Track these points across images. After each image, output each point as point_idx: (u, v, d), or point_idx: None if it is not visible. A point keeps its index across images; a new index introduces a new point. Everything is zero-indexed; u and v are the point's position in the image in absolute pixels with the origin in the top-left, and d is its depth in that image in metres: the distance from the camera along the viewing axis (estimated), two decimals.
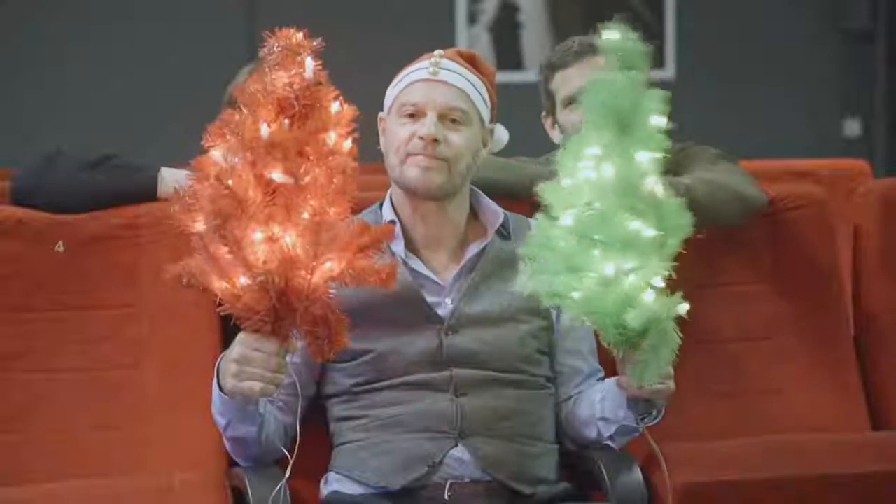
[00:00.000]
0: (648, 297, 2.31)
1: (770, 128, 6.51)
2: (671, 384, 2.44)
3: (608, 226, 2.31)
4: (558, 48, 3.19)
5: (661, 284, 2.33)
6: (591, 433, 2.61)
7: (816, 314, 3.04)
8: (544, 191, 2.41)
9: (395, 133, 2.58)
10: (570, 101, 3.12)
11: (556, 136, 3.21)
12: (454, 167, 2.57)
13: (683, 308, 2.34)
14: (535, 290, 2.37)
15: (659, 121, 2.36)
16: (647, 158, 2.35)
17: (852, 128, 6.89)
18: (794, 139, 6.51)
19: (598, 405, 2.58)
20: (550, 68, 3.17)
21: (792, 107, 6.71)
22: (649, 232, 2.32)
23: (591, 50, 3.11)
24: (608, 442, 2.60)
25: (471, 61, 2.63)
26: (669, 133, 2.38)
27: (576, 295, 2.32)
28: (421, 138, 2.54)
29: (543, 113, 3.22)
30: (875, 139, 6.86)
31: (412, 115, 2.57)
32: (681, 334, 2.36)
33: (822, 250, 3.07)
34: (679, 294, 2.34)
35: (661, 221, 2.35)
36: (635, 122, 2.34)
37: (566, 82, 3.13)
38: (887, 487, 2.63)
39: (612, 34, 2.39)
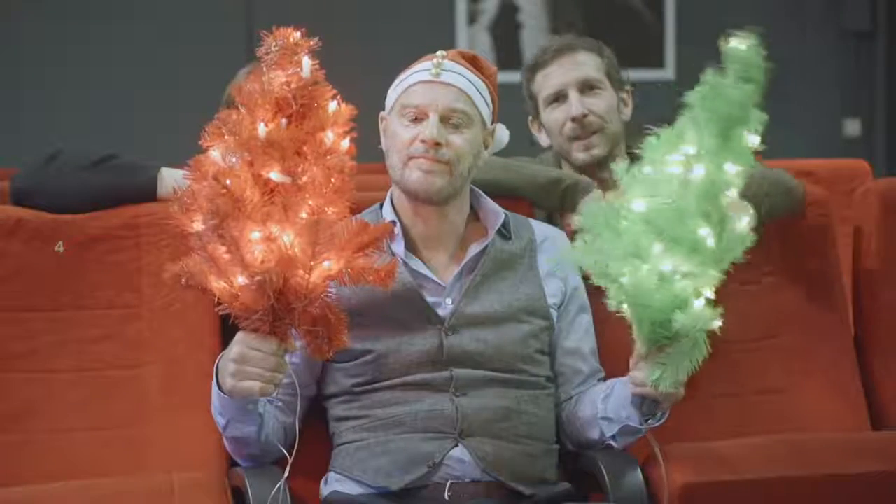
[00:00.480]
0: (699, 304, 2.32)
1: (770, 128, 6.50)
2: (681, 390, 2.44)
3: (680, 224, 2.31)
4: (537, 50, 3.21)
5: (711, 296, 2.33)
6: (594, 433, 2.61)
7: (816, 314, 3.05)
8: (623, 173, 2.39)
9: (398, 134, 2.58)
10: (554, 99, 3.13)
11: (543, 138, 3.22)
12: (455, 169, 2.57)
13: (717, 323, 2.35)
14: (586, 263, 2.37)
15: (754, 140, 2.36)
16: (734, 171, 2.35)
17: (852, 128, 6.88)
18: (794, 139, 6.51)
19: (602, 404, 2.58)
20: (531, 70, 3.19)
21: (792, 107, 6.71)
22: (713, 242, 2.32)
23: (570, 48, 3.14)
24: (610, 442, 2.60)
25: (472, 62, 2.63)
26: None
27: (625, 280, 2.33)
28: (423, 141, 2.54)
29: (529, 118, 3.23)
30: (875, 139, 6.86)
31: (414, 117, 2.57)
32: (710, 348, 2.36)
33: (822, 250, 3.08)
34: (718, 309, 2.34)
35: (723, 239, 2.35)
36: (735, 135, 2.34)
37: (547, 80, 3.15)
38: (887, 487, 2.63)
39: (739, 43, 2.37)
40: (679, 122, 2.38)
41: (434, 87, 2.57)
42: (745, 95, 2.35)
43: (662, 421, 2.52)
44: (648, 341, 2.38)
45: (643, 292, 2.32)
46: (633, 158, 2.43)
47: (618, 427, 2.57)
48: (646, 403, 2.49)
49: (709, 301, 2.34)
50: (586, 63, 3.13)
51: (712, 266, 2.33)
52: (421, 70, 2.60)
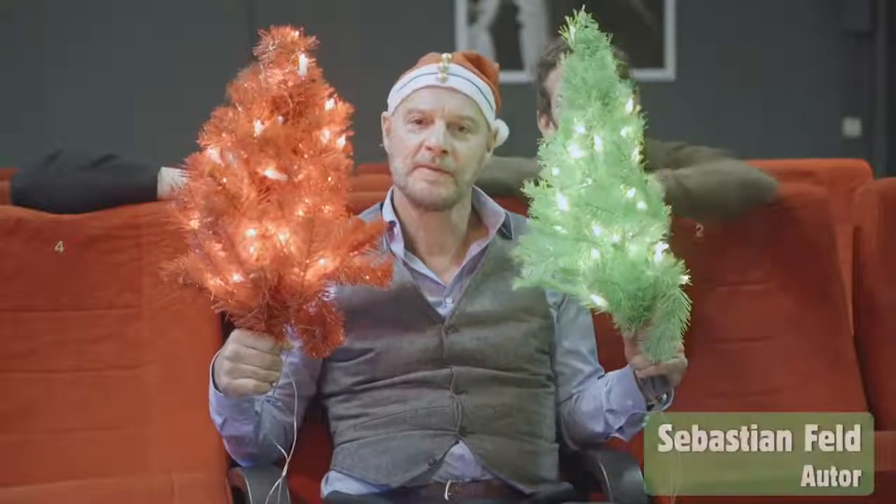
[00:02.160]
0: (658, 256, 2.34)
1: (770, 128, 6.51)
2: (683, 357, 2.45)
3: (606, 195, 2.34)
4: (549, 46, 3.19)
5: (665, 247, 2.35)
6: (598, 426, 2.61)
7: (816, 314, 3.05)
8: (532, 188, 2.42)
9: (403, 139, 2.57)
10: None
11: (550, 134, 3.21)
12: (460, 178, 2.58)
13: (684, 277, 2.37)
14: (541, 280, 2.38)
15: (630, 105, 2.40)
16: (629, 132, 2.38)
17: (852, 128, 6.89)
18: (794, 139, 6.52)
19: (605, 397, 2.59)
20: (543, 67, 3.18)
21: (792, 107, 6.72)
22: (643, 202, 2.35)
23: None
24: (617, 434, 2.60)
25: (477, 63, 2.63)
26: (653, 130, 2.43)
27: (583, 268, 2.34)
28: (429, 148, 2.54)
29: (538, 112, 3.22)
30: (875, 139, 6.87)
31: (420, 122, 2.57)
32: (689, 300, 2.37)
33: (822, 250, 3.08)
34: (679, 262, 2.36)
35: (650, 196, 2.38)
36: (614, 102, 2.39)
37: (561, 79, 3.13)
38: (887, 487, 2.63)
39: (571, 27, 2.43)
40: (562, 114, 2.41)
41: (440, 93, 2.57)
42: (599, 62, 2.40)
43: (669, 404, 2.51)
44: (631, 321, 2.39)
45: (604, 271, 2.33)
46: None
47: (624, 418, 2.57)
48: (656, 384, 2.48)
49: (666, 252, 2.36)
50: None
51: (654, 220, 2.35)
52: (426, 74, 2.59)
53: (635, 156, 2.38)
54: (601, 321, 2.74)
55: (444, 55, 2.61)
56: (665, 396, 2.50)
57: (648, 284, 2.33)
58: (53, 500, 2.57)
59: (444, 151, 2.54)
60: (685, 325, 2.38)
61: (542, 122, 3.23)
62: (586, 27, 2.43)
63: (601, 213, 2.33)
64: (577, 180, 2.36)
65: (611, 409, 2.58)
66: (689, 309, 2.37)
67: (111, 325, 2.81)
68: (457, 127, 2.57)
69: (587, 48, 2.42)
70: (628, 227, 2.33)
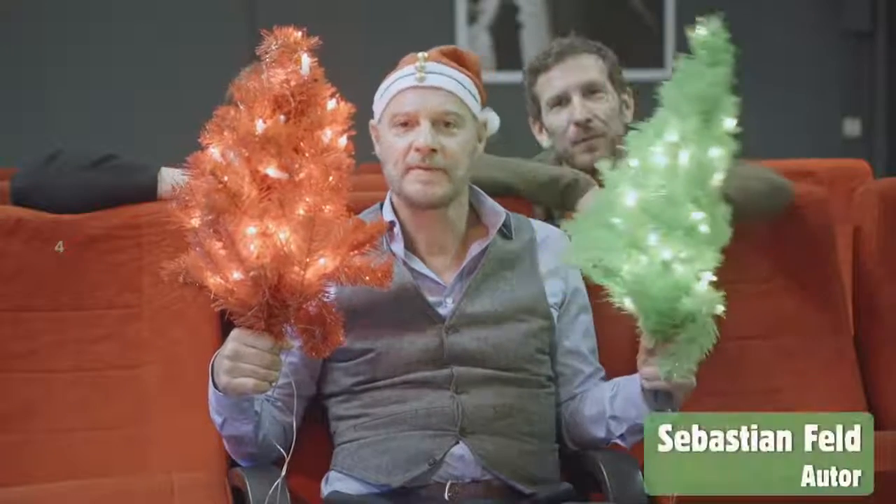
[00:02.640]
0: (702, 286, 2.33)
1: (770, 128, 6.51)
2: (693, 379, 2.44)
3: (673, 211, 2.32)
4: (539, 52, 3.20)
5: (711, 279, 2.34)
6: (600, 432, 2.61)
7: (816, 314, 3.05)
8: (606, 169, 2.40)
9: (391, 144, 2.58)
10: (557, 103, 3.13)
11: (543, 139, 3.22)
12: (453, 175, 2.58)
13: (721, 308, 2.36)
14: (583, 264, 2.38)
15: (731, 124, 2.38)
16: (719, 155, 2.36)
17: (852, 128, 6.89)
18: (794, 139, 6.52)
19: (609, 403, 2.59)
20: (533, 72, 3.19)
21: (792, 107, 6.72)
22: (706, 227, 2.33)
23: (572, 50, 3.14)
24: (618, 440, 2.60)
25: (454, 58, 2.62)
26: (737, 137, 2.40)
27: (625, 273, 2.33)
28: (418, 149, 2.54)
29: (531, 119, 3.23)
30: (875, 139, 6.87)
31: (405, 124, 2.57)
32: (718, 333, 2.37)
33: (822, 250, 3.08)
34: (720, 293, 2.35)
35: (715, 223, 2.36)
36: (715, 119, 2.36)
37: (550, 84, 3.15)
38: (887, 487, 2.63)
39: (701, 29, 2.39)
40: (658, 114, 2.38)
41: (421, 93, 2.57)
42: (717, 77, 2.37)
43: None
44: (655, 333, 2.38)
45: (645, 283, 2.33)
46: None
47: (626, 426, 2.57)
48: (659, 397, 2.48)
49: (711, 283, 2.35)
50: (589, 66, 3.14)
51: (709, 249, 2.34)
52: (405, 76, 2.59)
53: (716, 180, 2.35)
54: (601, 321, 2.75)
55: (420, 54, 2.60)
56: (669, 410, 2.50)
57: (683, 309, 2.33)
58: (53, 500, 2.57)
59: (433, 150, 2.54)
60: (706, 353, 2.38)
61: (535, 128, 3.24)
62: (717, 34, 2.39)
63: (663, 227, 2.32)
64: (653, 185, 2.34)
65: (614, 416, 2.59)
66: (715, 341, 2.37)
67: (111, 325, 2.81)
68: (442, 123, 2.57)
69: (709, 57, 2.38)
70: (683, 249, 2.31)
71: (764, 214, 2.98)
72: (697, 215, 2.33)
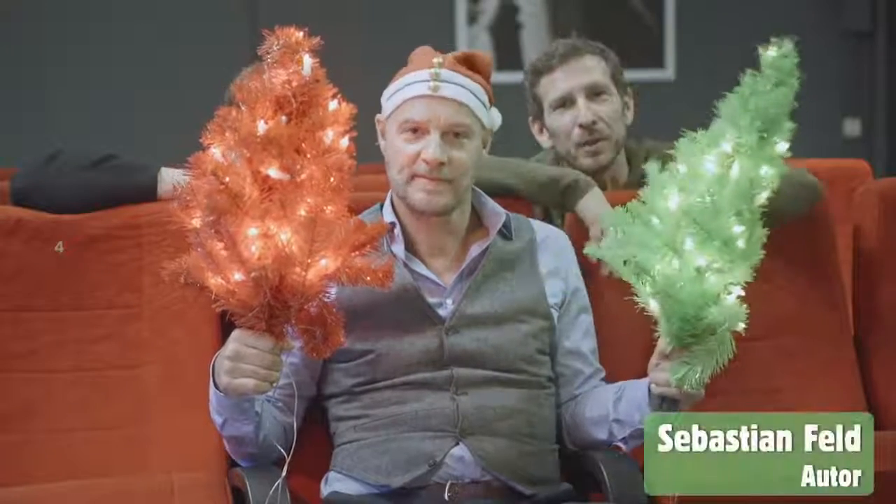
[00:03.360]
0: (730, 299, 2.33)
1: None
2: (702, 392, 2.43)
3: (715, 220, 2.32)
4: (542, 53, 3.20)
5: (741, 293, 2.34)
6: (602, 434, 2.61)
7: (816, 314, 3.05)
8: (653, 169, 2.40)
9: (399, 149, 2.57)
10: (560, 104, 3.13)
11: (544, 140, 3.22)
12: (459, 185, 2.58)
13: (743, 325, 2.37)
14: (613, 258, 2.38)
15: (784, 147, 2.39)
16: (769, 175, 2.37)
17: (852, 128, 6.89)
18: (794, 139, 6.51)
19: (612, 406, 2.59)
20: (535, 73, 3.18)
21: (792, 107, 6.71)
22: (744, 241, 2.34)
23: (576, 52, 3.13)
24: (620, 444, 2.60)
25: (468, 64, 2.61)
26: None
27: (657, 273, 2.33)
28: (426, 161, 2.54)
29: (531, 118, 3.23)
30: (875, 139, 6.86)
31: (414, 131, 2.56)
32: (735, 349, 2.37)
33: (822, 250, 3.08)
34: (745, 308, 2.35)
35: (752, 239, 2.37)
36: (771, 138, 2.37)
37: (553, 85, 3.14)
38: (887, 487, 2.63)
39: (772, 49, 2.40)
40: (715, 125, 2.39)
41: (433, 103, 2.56)
42: (781, 98, 2.38)
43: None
44: (675, 339, 2.38)
45: (675, 286, 2.33)
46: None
47: (629, 430, 2.57)
48: (665, 403, 2.48)
49: (739, 298, 2.35)
50: (593, 68, 3.13)
51: (743, 264, 2.34)
52: (418, 82, 2.57)
53: (761, 198, 2.36)
54: (601, 322, 2.75)
55: (436, 59, 2.58)
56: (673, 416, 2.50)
57: (708, 319, 2.33)
58: (53, 500, 2.57)
59: (441, 163, 2.54)
60: (720, 368, 2.38)
61: (535, 128, 3.24)
62: (787, 57, 2.38)
63: (702, 234, 2.32)
64: (698, 191, 2.34)
65: (617, 419, 2.58)
66: (732, 357, 2.37)
67: (111, 325, 2.81)
68: (451, 134, 2.56)
69: (776, 77, 2.38)
70: (718, 259, 2.32)
71: (791, 216, 2.97)
72: (738, 228, 2.33)
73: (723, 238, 2.33)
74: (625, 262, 2.38)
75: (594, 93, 3.11)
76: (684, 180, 2.37)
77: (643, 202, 2.39)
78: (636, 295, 2.38)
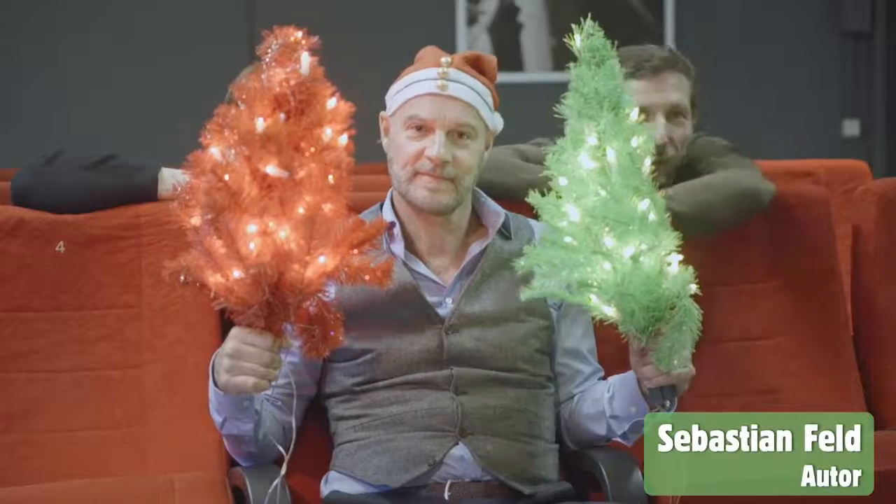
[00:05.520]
0: (674, 268, 2.35)
1: (769, 128, 6.51)
2: (692, 366, 2.45)
3: (619, 207, 2.34)
4: (633, 53, 3.00)
5: (679, 258, 2.36)
6: (601, 429, 2.62)
7: (816, 314, 3.05)
8: (538, 198, 2.41)
9: (403, 146, 2.57)
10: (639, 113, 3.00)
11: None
12: (461, 185, 2.58)
13: (694, 286, 2.38)
14: (553, 292, 2.39)
15: (635, 115, 2.41)
16: (641, 142, 2.39)
17: (851, 128, 6.89)
18: (794, 139, 6.52)
19: (608, 404, 2.59)
20: (623, 76, 3.05)
21: (791, 107, 6.71)
22: (655, 213, 2.35)
23: (669, 66, 3.01)
24: (620, 439, 2.61)
25: (476, 65, 2.61)
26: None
27: (598, 282, 2.34)
28: (429, 158, 2.54)
29: None
30: (874, 139, 6.86)
31: (419, 128, 2.56)
32: (701, 309, 2.38)
33: (822, 250, 3.08)
34: (689, 270, 2.37)
35: (659, 206, 2.38)
36: (623, 112, 2.39)
37: (637, 94, 2.87)
38: (887, 487, 2.63)
39: (576, 37, 2.43)
40: (568, 127, 2.41)
41: (440, 102, 2.56)
42: (609, 71, 2.41)
43: (673, 409, 2.51)
44: (643, 331, 2.39)
45: (622, 285, 2.33)
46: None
47: (628, 424, 2.57)
48: (664, 393, 2.48)
49: (680, 263, 2.36)
50: (679, 86, 3.01)
51: (664, 232, 2.36)
52: (426, 80, 2.58)
53: (647, 166, 2.38)
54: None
55: (444, 59, 2.59)
56: (668, 403, 2.50)
57: (664, 296, 2.34)
58: (53, 500, 2.57)
59: (445, 161, 2.54)
60: (696, 335, 2.39)
61: None
62: (592, 35, 2.42)
63: (616, 226, 2.33)
64: (591, 192, 2.36)
65: (614, 416, 2.59)
66: (700, 318, 2.38)
67: (111, 325, 2.81)
68: (456, 134, 2.57)
69: (594, 57, 2.41)
70: (643, 240, 2.33)
71: (725, 223, 2.94)
72: (644, 204, 2.35)
73: (635, 220, 2.34)
74: (567, 288, 2.39)
75: (674, 113, 2.99)
76: (570, 189, 2.38)
77: (547, 231, 2.41)
78: (591, 311, 2.39)
